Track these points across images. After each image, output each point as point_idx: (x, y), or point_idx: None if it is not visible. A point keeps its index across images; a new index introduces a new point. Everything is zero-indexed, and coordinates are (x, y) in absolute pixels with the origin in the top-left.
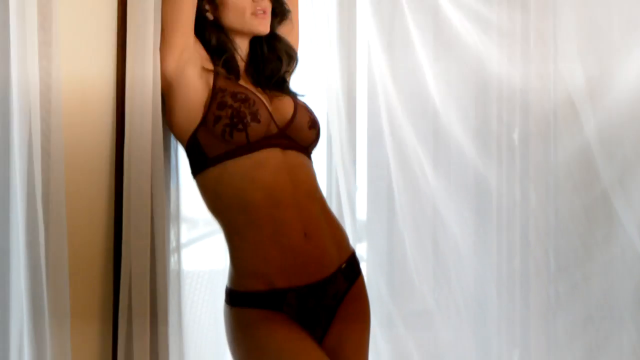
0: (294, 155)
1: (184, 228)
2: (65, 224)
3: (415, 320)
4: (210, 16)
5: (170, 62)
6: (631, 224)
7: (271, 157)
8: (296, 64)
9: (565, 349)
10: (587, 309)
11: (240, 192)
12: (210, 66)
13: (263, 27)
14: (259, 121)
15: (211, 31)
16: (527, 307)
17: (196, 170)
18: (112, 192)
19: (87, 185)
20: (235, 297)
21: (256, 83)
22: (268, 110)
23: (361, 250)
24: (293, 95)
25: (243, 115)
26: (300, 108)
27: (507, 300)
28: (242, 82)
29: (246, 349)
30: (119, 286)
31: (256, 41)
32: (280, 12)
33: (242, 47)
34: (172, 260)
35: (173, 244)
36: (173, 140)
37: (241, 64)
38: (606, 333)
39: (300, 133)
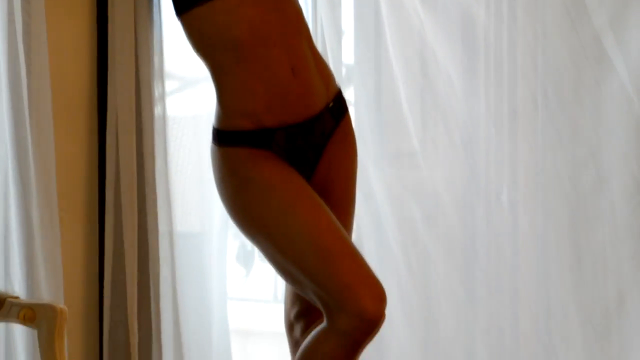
0: None
1: (167, 83)
2: (48, 73)
3: (405, 160)
4: None
5: None
6: (622, 65)
7: None
8: None
9: (554, 189)
10: (575, 151)
11: (226, 29)
12: None
13: None
14: None
15: None
16: (516, 148)
17: (181, 10)
18: (94, 46)
19: (70, 37)
20: (223, 137)
21: None
22: None
23: (349, 95)
24: None
25: None
26: None
27: (496, 141)
28: None
29: (234, 185)
30: (104, 136)
31: None
32: None
33: None
34: (158, 108)
35: (158, 93)
36: None
37: None
38: (594, 177)
39: None
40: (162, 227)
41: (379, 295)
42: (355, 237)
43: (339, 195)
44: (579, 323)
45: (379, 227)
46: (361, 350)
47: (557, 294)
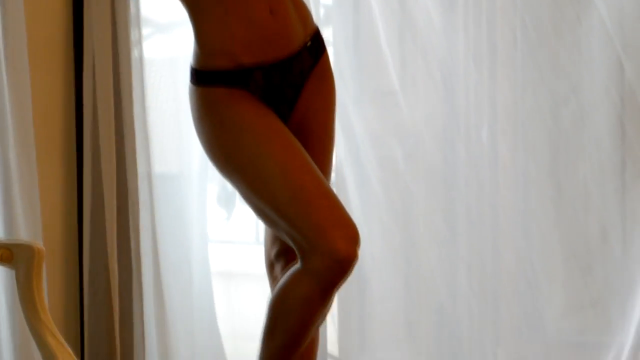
0: None
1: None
2: (23, 17)
3: (385, 99)
4: None
5: None
6: (601, 1)
7: None
8: None
9: (534, 124)
10: (556, 86)
11: None
12: None
13: None
14: None
15: None
16: (495, 83)
17: None
18: None
19: None
20: (200, 76)
21: None
22: None
23: (328, 36)
24: None
25: None
26: None
27: (476, 77)
28: None
29: (211, 125)
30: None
31: None
32: None
33: None
34: (135, 51)
35: (134, 37)
36: None
37: None
38: (576, 112)
39: None
40: (140, 169)
41: (351, 236)
42: (337, 177)
43: (318, 134)
44: (562, 258)
45: (360, 166)
46: (335, 291)
47: (539, 230)
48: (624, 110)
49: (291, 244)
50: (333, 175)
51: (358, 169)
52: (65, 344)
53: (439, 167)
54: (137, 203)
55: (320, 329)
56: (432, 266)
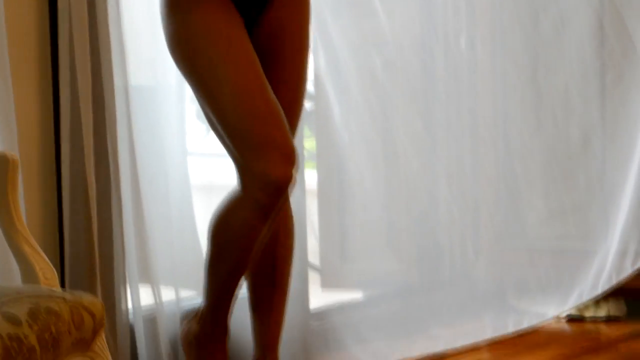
0: None
1: None
2: None
3: (363, 7)
4: None
5: None
6: None
7: None
8: None
9: (514, 30)
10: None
11: None
12: None
13: None
14: None
15: None
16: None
17: None
18: None
19: None
20: None
21: None
22: None
23: None
24: None
25: None
26: None
27: None
28: None
29: (175, 23)
30: None
31: None
32: None
33: None
34: None
35: None
36: None
37: None
38: (556, 16)
39: None
40: (117, 81)
41: (288, 158)
42: (316, 88)
43: (290, 41)
44: (542, 164)
45: (340, 76)
46: (274, 214)
47: (520, 136)
48: (604, 15)
49: (233, 162)
50: (312, 86)
51: (337, 79)
52: (43, 254)
53: (418, 74)
54: (114, 115)
55: (300, 240)
56: (412, 174)
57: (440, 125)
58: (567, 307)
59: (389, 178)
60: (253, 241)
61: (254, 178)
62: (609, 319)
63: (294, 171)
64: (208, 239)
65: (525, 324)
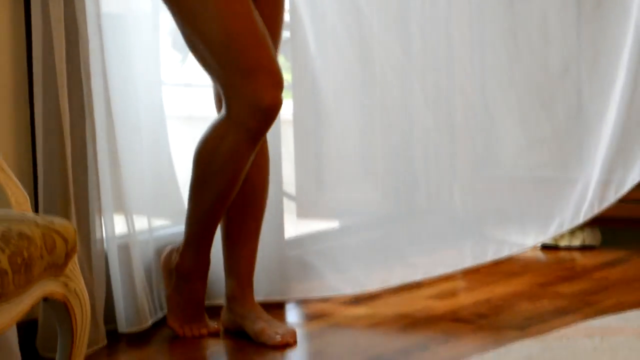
0: None
1: None
2: None
3: None
4: None
5: None
6: None
7: None
8: None
9: None
10: None
11: None
12: None
13: None
14: None
15: None
16: None
17: None
18: None
19: None
20: None
21: None
22: None
23: None
24: None
25: None
26: None
27: None
28: None
29: None
30: None
31: None
32: None
33: None
34: None
35: None
36: None
37: None
38: None
39: None
40: (89, 7)
41: (277, 83)
42: (292, 13)
43: None
44: (521, 91)
45: (316, 2)
46: (260, 140)
47: (498, 63)
48: None
49: (219, 89)
50: (288, 14)
51: (314, 5)
52: (15, 179)
53: None
54: (86, 42)
55: (276, 169)
56: (390, 102)
57: (418, 53)
58: (548, 235)
59: (366, 106)
60: (240, 168)
61: (244, 104)
62: (584, 248)
63: (281, 95)
64: (193, 167)
65: (506, 252)
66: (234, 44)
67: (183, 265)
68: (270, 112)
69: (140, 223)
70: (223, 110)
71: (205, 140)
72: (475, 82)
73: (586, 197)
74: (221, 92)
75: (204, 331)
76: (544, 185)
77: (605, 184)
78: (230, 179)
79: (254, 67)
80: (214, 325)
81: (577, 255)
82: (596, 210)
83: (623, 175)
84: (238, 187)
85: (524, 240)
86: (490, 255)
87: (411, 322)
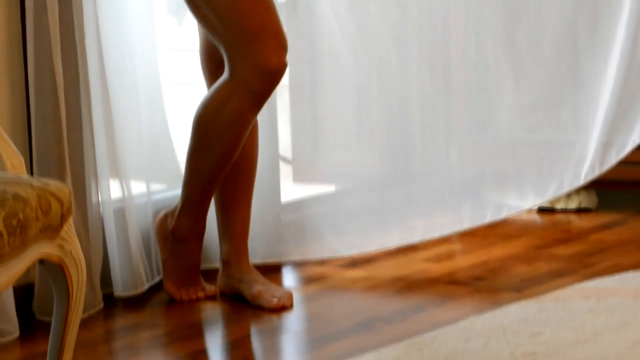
0: None
1: None
2: None
3: None
4: None
5: None
6: None
7: None
8: None
9: None
10: None
11: None
12: None
13: None
14: None
15: None
16: None
17: None
18: None
19: None
20: None
21: None
22: None
23: None
24: None
25: None
26: None
27: None
28: None
29: None
30: None
31: None
32: None
33: None
34: None
35: None
36: None
37: None
38: None
39: None
40: None
41: (283, 46)
42: None
43: None
44: (520, 52)
45: None
46: (264, 103)
47: (491, 22)
48: None
49: (223, 52)
50: None
51: None
52: (10, 141)
53: None
54: (80, 4)
55: (271, 133)
56: (386, 65)
57: (414, 14)
58: (547, 197)
59: (363, 70)
60: (242, 131)
61: (250, 66)
62: (580, 210)
63: (286, 58)
64: (192, 131)
65: (504, 213)
66: (240, 6)
67: (179, 229)
68: (276, 74)
69: (137, 188)
70: (226, 74)
71: (207, 103)
72: (473, 43)
73: (586, 158)
74: (225, 55)
75: (201, 294)
76: (543, 148)
77: (606, 145)
78: (232, 143)
79: (259, 29)
80: (210, 288)
81: (573, 217)
82: (597, 172)
83: (624, 137)
84: (238, 151)
85: (523, 202)
86: (488, 217)
87: (408, 285)
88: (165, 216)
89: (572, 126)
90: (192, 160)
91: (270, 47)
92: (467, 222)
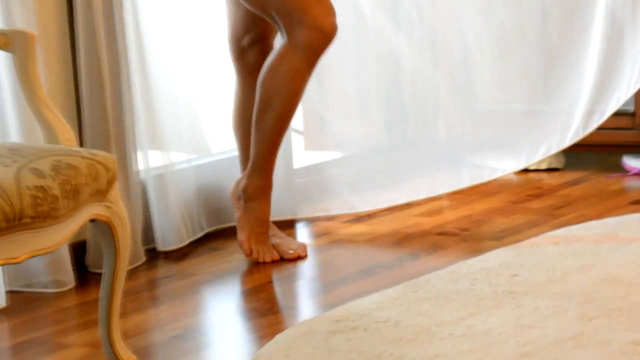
0: None
1: None
2: None
3: None
4: None
5: None
6: None
7: None
8: None
9: None
10: None
11: None
12: None
13: None
14: None
15: None
16: None
17: None
18: None
19: None
20: None
21: None
22: None
23: None
24: None
25: None
26: None
27: None
28: None
29: None
30: None
31: None
32: None
33: None
34: None
35: None
36: None
37: None
38: None
39: None
40: None
41: (332, 11)
42: None
43: None
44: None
45: None
46: (318, 60)
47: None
48: None
49: (279, 21)
50: None
51: None
52: (62, 118)
53: None
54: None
55: None
56: (381, 43)
57: (410, 4)
58: (538, 158)
59: (363, 52)
60: (299, 86)
61: (306, 27)
62: (550, 170)
63: (336, 22)
64: (257, 93)
65: (499, 173)
66: None
67: (250, 186)
68: (329, 32)
69: (177, 157)
70: (283, 40)
71: (268, 66)
72: (458, 17)
73: (572, 124)
74: (280, 25)
75: (267, 258)
76: (533, 117)
77: (589, 113)
78: (291, 97)
79: (311, 1)
80: (274, 253)
81: (544, 176)
82: (580, 135)
83: (604, 105)
84: (296, 107)
85: (514, 163)
86: (485, 176)
87: (403, 236)
88: (238, 183)
89: (558, 97)
90: (257, 119)
91: (323, 12)
92: (467, 181)
